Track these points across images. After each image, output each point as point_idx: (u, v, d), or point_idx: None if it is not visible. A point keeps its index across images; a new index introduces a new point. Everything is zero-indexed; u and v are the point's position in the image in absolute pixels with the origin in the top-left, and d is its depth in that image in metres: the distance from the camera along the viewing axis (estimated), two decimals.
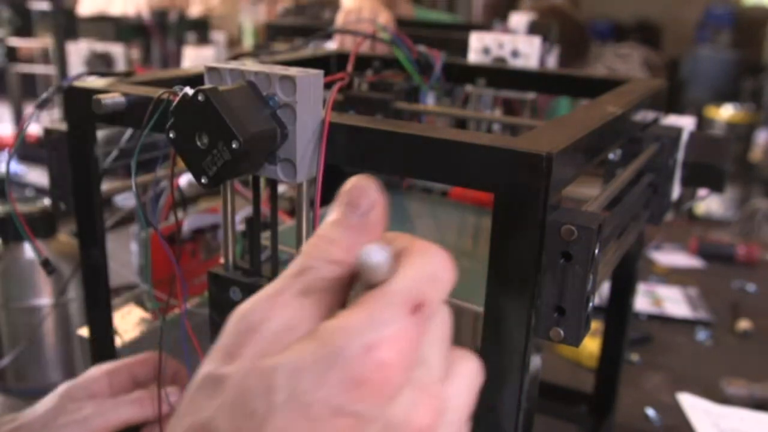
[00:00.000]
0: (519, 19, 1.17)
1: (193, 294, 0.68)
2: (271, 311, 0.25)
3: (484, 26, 1.27)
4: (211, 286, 0.49)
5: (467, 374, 0.27)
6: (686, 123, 0.66)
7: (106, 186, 0.59)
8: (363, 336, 0.23)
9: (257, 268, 0.49)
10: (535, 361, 0.42)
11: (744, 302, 1.18)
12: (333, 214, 0.27)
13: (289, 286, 0.26)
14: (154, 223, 0.69)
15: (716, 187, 0.67)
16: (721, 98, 3.81)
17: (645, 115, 0.62)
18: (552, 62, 1.07)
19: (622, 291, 0.75)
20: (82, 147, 0.54)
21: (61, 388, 0.49)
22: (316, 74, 0.41)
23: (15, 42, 1.83)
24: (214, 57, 1.51)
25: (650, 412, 0.86)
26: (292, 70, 0.41)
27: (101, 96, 0.48)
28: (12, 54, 1.83)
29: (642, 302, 1.14)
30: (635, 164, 0.57)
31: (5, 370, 0.83)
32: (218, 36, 2.14)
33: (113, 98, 0.48)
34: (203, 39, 2.07)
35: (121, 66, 1.60)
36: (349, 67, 0.65)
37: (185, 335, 0.50)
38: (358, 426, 0.22)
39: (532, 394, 0.42)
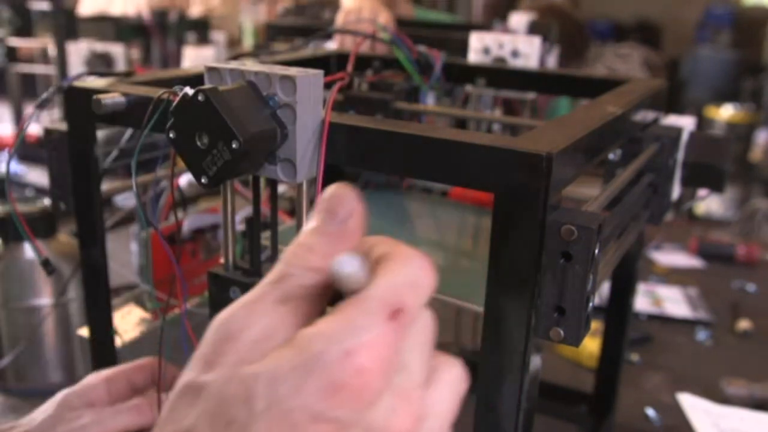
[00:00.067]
0: (519, 19, 1.17)
1: (193, 294, 0.68)
2: (250, 319, 0.25)
3: (484, 26, 1.27)
4: (211, 286, 0.49)
5: (450, 381, 0.27)
6: (686, 123, 0.66)
7: (106, 186, 0.59)
8: (341, 342, 0.23)
9: (257, 268, 0.49)
10: (535, 361, 0.42)
11: (744, 302, 1.18)
12: (312, 222, 0.27)
13: (268, 293, 0.26)
14: (154, 223, 0.69)
15: (716, 187, 0.67)
16: (721, 98, 3.81)
17: (645, 115, 0.62)
18: (552, 62, 1.07)
19: (622, 291, 0.75)
20: (82, 147, 0.54)
21: (59, 395, 0.49)
22: (316, 74, 0.41)
23: (15, 42, 1.83)
24: (214, 57, 1.51)
25: (650, 412, 0.86)
26: (292, 70, 0.41)
27: (101, 96, 0.48)
28: (12, 54, 1.83)
29: (642, 302, 1.14)
30: (635, 164, 0.57)
31: (5, 370, 0.83)
32: (218, 36, 2.14)
33: (113, 98, 0.48)
34: (203, 39, 2.07)
35: (121, 66, 1.60)
36: (349, 67, 0.65)
37: (185, 335, 0.50)
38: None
39: (532, 394, 0.42)
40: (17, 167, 1.59)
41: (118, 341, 0.63)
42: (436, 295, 0.54)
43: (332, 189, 0.27)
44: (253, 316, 0.25)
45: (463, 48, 0.85)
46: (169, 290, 0.56)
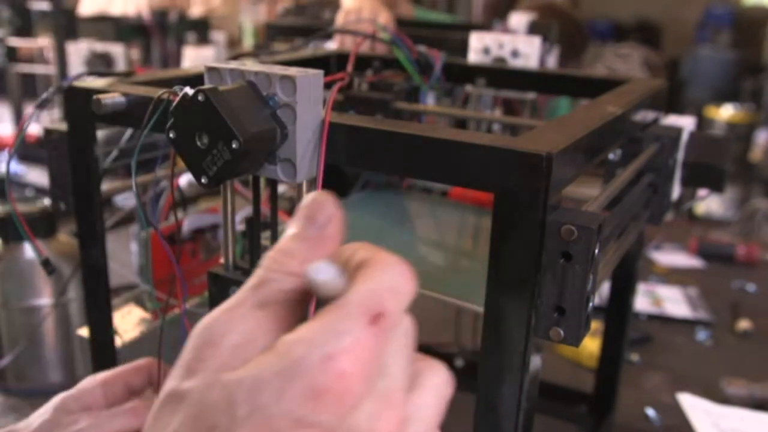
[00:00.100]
0: (519, 19, 1.17)
1: (193, 294, 0.68)
2: (230, 325, 0.25)
3: (484, 26, 1.27)
4: (211, 286, 0.49)
5: (434, 385, 0.27)
6: (686, 123, 0.66)
7: (106, 186, 0.59)
8: (322, 347, 0.23)
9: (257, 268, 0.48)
10: (535, 361, 0.42)
11: (744, 302, 1.18)
12: (291, 228, 0.27)
13: (247, 298, 0.26)
14: (154, 223, 0.69)
15: (716, 187, 0.67)
16: (721, 98, 3.81)
17: (645, 115, 0.62)
18: (552, 62, 1.07)
19: (622, 291, 0.75)
20: (82, 147, 0.54)
21: (56, 399, 0.49)
22: (316, 74, 0.41)
23: (15, 42, 1.83)
24: (214, 57, 1.52)
25: (650, 412, 0.86)
26: (292, 70, 0.41)
27: (101, 96, 0.48)
28: (12, 54, 1.83)
29: (642, 302, 1.14)
30: (635, 164, 0.57)
31: (5, 370, 0.83)
32: (218, 36, 2.14)
33: (113, 98, 0.48)
34: (203, 39, 2.07)
35: (121, 66, 1.60)
36: (349, 67, 0.65)
37: (185, 335, 0.50)
38: None
39: (532, 394, 0.42)
40: (17, 167, 1.59)
41: (118, 341, 0.63)
42: (436, 295, 0.54)
43: (312, 195, 0.28)
44: (233, 321, 0.26)
45: (463, 48, 0.85)
46: (169, 290, 0.56)
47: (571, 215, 0.39)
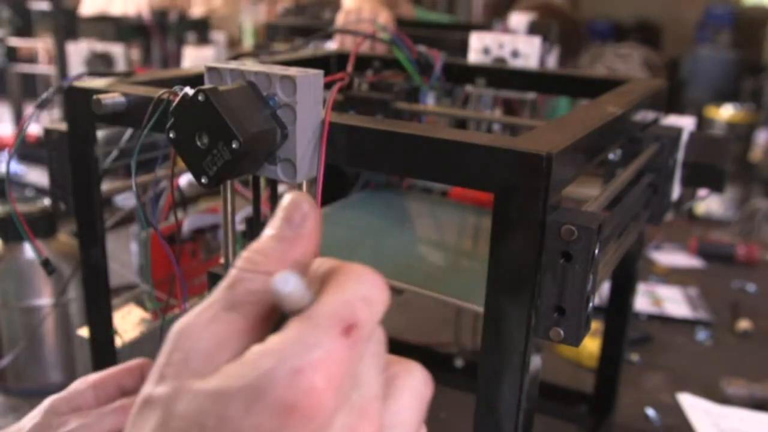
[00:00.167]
0: (519, 19, 1.17)
1: (193, 294, 0.68)
2: (201, 328, 0.25)
3: (484, 26, 1.27)
4: (211, 286, 0.49)
5: (411, 387, 0.26)
6: (686, 123, 0.66)
7: (106, 186, 0.59)
8: (290, 360, 0.22)
9: None
10: (535, 361, 0.42)
11: (744, 302, 1.17)
12: (268, 229, 0.27)
13: (219, 300, 0.26)
14: (154, 223, 0.69)
15: (716, 187, 0.67)
16: (721, 98, 3.81)
17: (645, 115, 0.62)
18: (552, 62, 1.07)
19: (622, 291, 0.75)
20: (82, 147, 0.54)
21: (47, 402, 0.49)
22: (316, 74, 0.41)
23: (15, 42, 1.83)
24: (214, 57, 1.52)
25: (650, 412, 0.86)
26: (292, 70, 0.41)
27: (101, 96, 0.48)
28: (12, 54, 1.83)
29: (642, 302, 1.14)
30: (635, 164, 0.57)
31: (5, 370, 0.83)
32: (218, 36, 2.14)
33: (113, 98, 0.48)
34: (203, 39, 2.07)
35: (121, 66, 1.60)
36: (349, 67, 0.65)
37: None
38: None
39: (532, 394, 0.42)
40: (17, 167, 1.59)
41: (118, 341, 0.63)
42: (436, 295, 0.54)
43: (289, 197, 0.27)
44: (204, 325, 0.25)
45: (463, 48, 0.85)
46: (169, 290, 0.56)
47: (571, 215, 0.39)
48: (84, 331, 0.61)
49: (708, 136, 0.67)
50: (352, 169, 0.72)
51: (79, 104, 0.52)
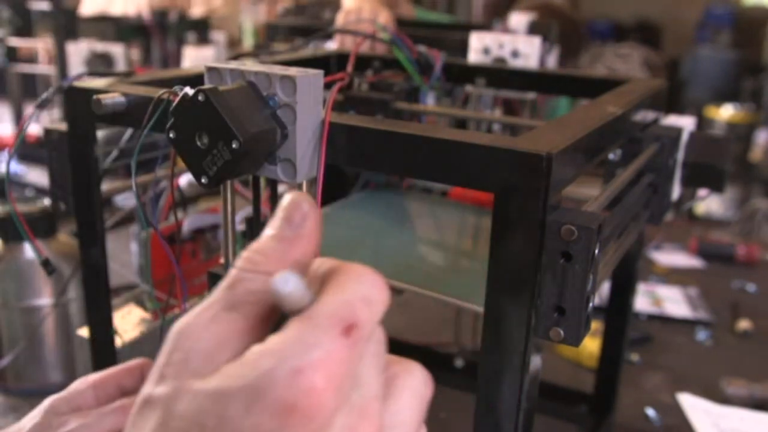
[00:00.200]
0: (519, 19, 1.17)
1: (193, 294, 0.68)
2: (201, 328, 0.25)
3: (484, 26, 1.27)
4: (211, 286, 0.49)
5: (411, 387, 0.26)
6: (686, 123, 0.66)
7: (106, 186, 0.59)
8: (290, 360, 0.22)
9: None
10: (535, 361, 0.42)
11: (744, 302, 1.17)
12: (268, 229, 0.27)
13: (219, 300, 0.26)
14: (154, 223, 0.69)
15: (716, 187, 0.67)
16: (721, 98, 3.81)
17: (645, 115, 0.62)
18: (552, 62, 1.07)
19: (622, 291, 0.75)
20: (82, 147, 0.54)
21: (46, 402, 0.49)
22: (316, 74, 0.41)
23: (15, 42, 1.83)
24: (214, 57, 1.52)
25: (650, 412, 0.86)
26: (292, 70, 0.41)
27: (101, 96, 0.48)
28: (12, 54, 1.83)
29: (642, 302, 1.14)
30: (635, 164, 0.57)
31: (5, 370, 0.83)
32: (218, 36, 2.14)
33: (113, 98, 0.48)
34: (203, 39, 2.07)
35: (121, 66, 1.60)
36: (349, 67, 0.65)
37: None
38: None
39: (532, 394, 0.42)
40: (17, 167, 1.59)
41: (118, 341, 0.63)
42: (436, 295, 0.54)
43: (290, 197, 0.27)
44: (205, 325, 0.25)
45: (463, 48, 0.85)
46: (169, 290, 0.56)
47: (571, 215, 0.39)
48: (84, 331, 0.61)
49: (708, 136, 0.67)
50: (352, 169, 0.72)
51: (79, 104, 0.52)
